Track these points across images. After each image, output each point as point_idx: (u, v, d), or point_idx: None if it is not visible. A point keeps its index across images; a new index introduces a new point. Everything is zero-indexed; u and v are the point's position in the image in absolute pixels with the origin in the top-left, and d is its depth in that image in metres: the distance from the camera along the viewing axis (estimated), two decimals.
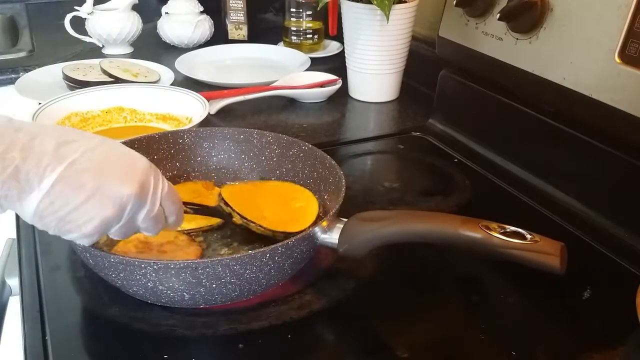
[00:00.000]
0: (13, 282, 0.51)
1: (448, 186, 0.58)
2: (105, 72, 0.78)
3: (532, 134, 0.58)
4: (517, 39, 0.56)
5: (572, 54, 0.51)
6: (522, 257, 0.37)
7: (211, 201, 0.49)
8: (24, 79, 0.79)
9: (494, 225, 0.38)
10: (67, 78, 0.78)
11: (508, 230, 0.38)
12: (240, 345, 0.38)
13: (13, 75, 0.86)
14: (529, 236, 0.38)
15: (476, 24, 0.61)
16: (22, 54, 0.97)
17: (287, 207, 0.48)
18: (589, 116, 0.50)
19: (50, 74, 0.81)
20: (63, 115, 0.65)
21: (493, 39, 0.59)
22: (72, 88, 0.76)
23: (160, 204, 0.36)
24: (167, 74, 0.82)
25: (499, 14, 0.56)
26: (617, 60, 0.46)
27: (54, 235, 0.45)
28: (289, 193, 0.50)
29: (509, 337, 0.40)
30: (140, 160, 0.35)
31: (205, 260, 0.39)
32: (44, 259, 0.47)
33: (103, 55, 0.96)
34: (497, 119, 0.62)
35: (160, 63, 0.86)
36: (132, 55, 0.97)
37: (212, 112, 0.70)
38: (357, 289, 0.44)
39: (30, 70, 0.84)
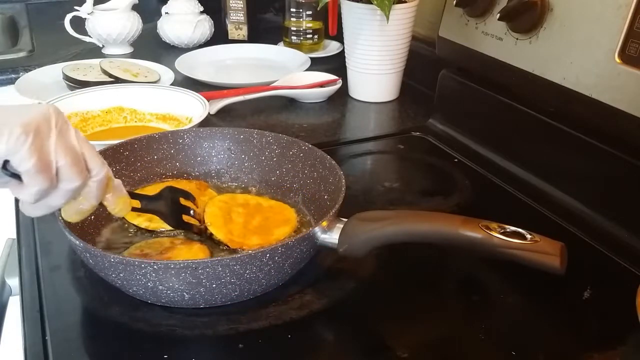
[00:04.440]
0: (13, 282, 0.51)
1: (448, 186, 0.58)
2: (105, 72, 0.78)
3: (532, 133, 0.58)
4: (517, 39, 0.56)
5: (572, 54, 0.51)
6: (522, 257, 0.37)
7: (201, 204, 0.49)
8: (24, 78, 0.79)
9: (494, 225, 0.38)
10: (67, 78, 0.78)
11: (508, 230, 0.38)
12: (240, 345, 0.38)
13: (13, 75, 0.86)
14: (529, 236, 0.38)
15: (476, 24, 0.61)
16: (22, 54, 0.97)
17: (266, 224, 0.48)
18: (589, 116, 0.50)
19: (50, 74, 0.81)
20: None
21: (493, 39, 0.59)
22: (72, 88, 0.76)
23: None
24: (167, 74, 0.82)
25: (499, 14, 0.56)
26: (617, 60, 0.46)
27: (54, 235, 0.44)
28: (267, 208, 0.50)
29: (509, 337, 0.40)
30: (35, 107, 0.32)
31: (206, 260, 0.39)
32: (44, 259, 0.47)
33: (103, 55, 0.96)
34: (497, 119, 0.62)
35: (160, 63, 0.86)
36: (132, 55, 0.97)
37: (212, 112, 0.70)
38: (357, 289, 0.44)
39: (31, 70, 0.84)
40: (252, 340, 0.39)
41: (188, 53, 0.93)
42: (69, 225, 0.40)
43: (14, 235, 0.51)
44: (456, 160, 0.64)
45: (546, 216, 0.53)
